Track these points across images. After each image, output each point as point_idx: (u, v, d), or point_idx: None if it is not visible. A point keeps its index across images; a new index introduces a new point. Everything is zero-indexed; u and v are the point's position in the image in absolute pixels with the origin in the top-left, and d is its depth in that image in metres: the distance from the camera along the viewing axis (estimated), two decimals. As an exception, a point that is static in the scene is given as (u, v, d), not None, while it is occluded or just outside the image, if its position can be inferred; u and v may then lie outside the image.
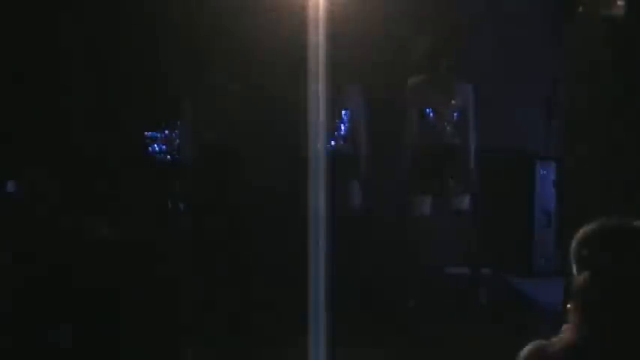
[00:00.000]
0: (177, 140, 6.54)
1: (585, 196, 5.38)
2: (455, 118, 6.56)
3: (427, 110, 6.54)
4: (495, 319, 6.28)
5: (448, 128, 6.56)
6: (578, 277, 2.31)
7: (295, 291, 3.38)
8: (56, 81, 6.77)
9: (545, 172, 7.31)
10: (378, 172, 6.88)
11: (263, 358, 5.38)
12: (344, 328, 4.47)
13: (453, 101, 6.55)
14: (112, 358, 4.65)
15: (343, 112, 6.65)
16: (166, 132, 6.51)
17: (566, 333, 2.32)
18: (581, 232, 2.36)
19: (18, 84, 6.67)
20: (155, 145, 6.48)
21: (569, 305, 2.33)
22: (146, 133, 6.52)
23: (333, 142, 6.54)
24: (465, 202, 6.57)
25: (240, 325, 5.81)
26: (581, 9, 5.49)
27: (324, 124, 3.30)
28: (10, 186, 5.46)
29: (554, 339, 2.33)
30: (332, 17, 3.26)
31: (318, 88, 3.25)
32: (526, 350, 2.34)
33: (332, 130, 6.55)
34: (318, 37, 3.22)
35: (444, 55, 6.51)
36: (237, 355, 5.42)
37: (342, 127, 6.67)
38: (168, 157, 6.54)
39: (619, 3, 5.15)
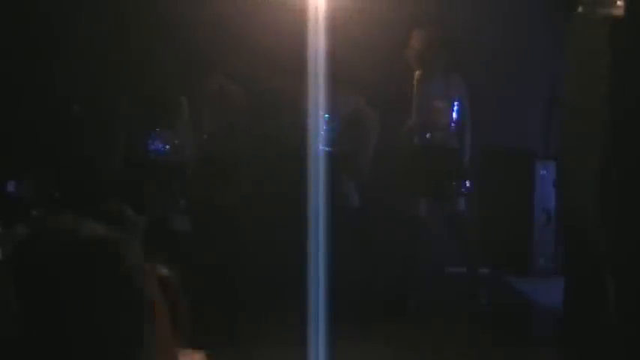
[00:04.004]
0: (177, 140, 6.54)
1: (585, 196, 5.37)
2: (453, 118, 6.55)
3: (425, 110, 6.53)
4: (495, 319, 6.28)
5: (446, 129, 6.55)
6: None
7: (295, 291, 3.38)
8: (54, 81, 6.77)
9: (545, 172, 7.32)
10: (377, 171, 6.88)
11: (263, 359, 5.38)
12: (344, 328, 4.48)
13: (450, 101, 6.53)
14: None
15: (343, 112, 6.65)
16: (167, 131, 6.51)
17: None
18: None
19: (16, 83, 6.67)
20: (158, 145, 6.49)
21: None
22: (147, 132, 6.52)
23: (331, 143, 6.54)
24: (461, 204, 6.56)
25: (240, 325, 5.81)
26: (581, 9, 5.48)
27: (323, 124, 3.31)
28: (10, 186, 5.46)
29: None
30: (332, 17, 3.26)
31: (318, 88, 3.26)
32: None
33: (331, 131, 6.54)
34: (318, 37, 3.22)
35: (442, 53, 6.50)
36: (236, 356, 5.42)
37: (342, 127, 6.66)
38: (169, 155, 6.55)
39: (619, 3, 5.15)
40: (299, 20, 3.34)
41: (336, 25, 3.48)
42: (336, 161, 6.39)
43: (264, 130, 6.91)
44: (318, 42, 3.23)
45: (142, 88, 6.54)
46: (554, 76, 7.08)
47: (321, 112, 3.17)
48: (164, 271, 2.95)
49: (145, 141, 6.46)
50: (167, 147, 6.48)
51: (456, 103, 6.54)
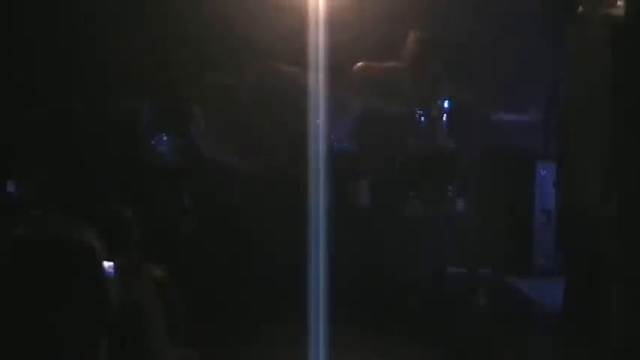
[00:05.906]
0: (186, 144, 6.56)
1: (585, 196, 5.38)
2: (445, 119, 6.53)
3: (419, 112, 6.52)
4: (495, 319, 6.28)
5: (441, 131, 6.54)
6: None
7: (295, 291, 3.38)
8: (59, 81, 6.77)
9: (545, 172, 7.31)
10: (379, 172, 6.88)
11: (263, 358, 5.37)
12: (344, 329, 4.47)
13: (439, 102, 6.52)
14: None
15: (350, 111, 6.64)
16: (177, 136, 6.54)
17: None
18: None
19: (19, 84, 6.68)
20: (167, 147, 6.52)
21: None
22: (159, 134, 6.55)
23: (337, 142, 6.53)
24: (460, 205, 6.56)
25: (240, 325, 5.81)
26: (581, 9, 5.49)
27: (324, 124, 3.31)
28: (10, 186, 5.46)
29: None
30: (332, 17, 3.26)
31: (318, 88, 3.26)
32: None
33: (336, 130, 6.53)
34: (318, 37, 3.23)
35: (439, 54, 6.50)
36: (236, 355, 5.42)
37: (349, 127, 6.65)
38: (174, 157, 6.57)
39: (619, 3, 5.16)
40: (300, 19, 3.34)
41: (338, 25, 3.48)
42: (349, 160, 6.40)
43: (267, 130, 6.90)
44: (320, 41, 3.23)
45: (154, 92, 6.55)
46: (554, 76, 7.08)
47: (323, 112, 3.16)
48: (159, 272, 2.95)
49: (155, 143, 6.48)
50: (176, 150, 6.51)
51: (450, 103, 6.54)
